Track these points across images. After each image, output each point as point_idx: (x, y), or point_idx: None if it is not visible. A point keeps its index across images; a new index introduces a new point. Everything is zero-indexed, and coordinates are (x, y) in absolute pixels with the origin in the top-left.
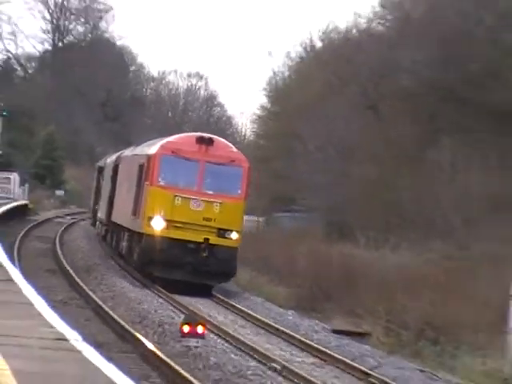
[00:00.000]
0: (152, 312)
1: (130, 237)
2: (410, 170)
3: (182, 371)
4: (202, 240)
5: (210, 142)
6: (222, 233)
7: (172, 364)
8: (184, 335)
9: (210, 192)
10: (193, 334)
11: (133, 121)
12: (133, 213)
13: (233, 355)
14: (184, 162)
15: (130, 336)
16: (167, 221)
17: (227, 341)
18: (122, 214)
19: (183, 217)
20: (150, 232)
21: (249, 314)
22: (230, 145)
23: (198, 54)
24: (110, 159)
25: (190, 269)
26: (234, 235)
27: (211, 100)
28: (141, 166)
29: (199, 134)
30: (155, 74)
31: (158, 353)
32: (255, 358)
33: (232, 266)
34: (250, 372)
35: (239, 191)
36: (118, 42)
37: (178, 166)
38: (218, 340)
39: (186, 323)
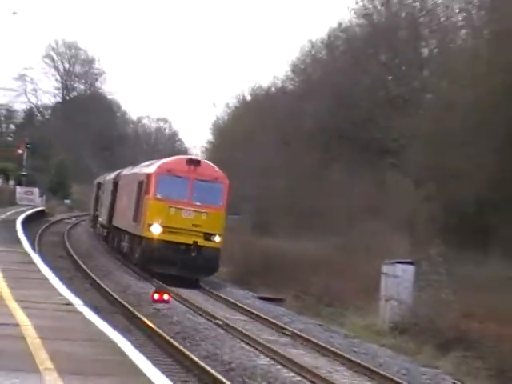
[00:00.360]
0: (132, 285)
1: (130, 239)
2: (313, 185)
3: (153, 325)
4: (191, 242)
5: (198, 163)
6: (208, 236)
7: (145, 320)
8: (154, 301)
9: (198, 203)
10: (161, 301)
11: (119, 151)
12: (134, 220)
13: (189, 315)
14: (177, 179)
15: (116, 302)
16: (163, 227)
17: (186, 305)
18: (122, 220)
19: (176, 223)
20: (149, 236)
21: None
22: (213, 165)
23: (166, 103)
24: (109, 177)
25: (182, 265)
26: (217, 238)
27: (174, 136)
28: (140, 183)
29: (189, 156)
30: (134, 118)
31: (136, 313)
32: (204, 317)
33: (216, 262)
34: (200, 326)
35: (221, 203)
36: (109, 96)
37: (171, 183)
38: (179, 305)
39: (156, 292)
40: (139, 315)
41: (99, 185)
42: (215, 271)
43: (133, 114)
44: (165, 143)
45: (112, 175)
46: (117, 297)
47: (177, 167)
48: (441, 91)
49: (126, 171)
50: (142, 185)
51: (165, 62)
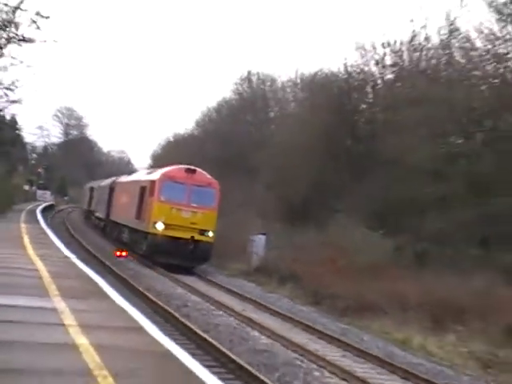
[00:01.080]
0: (106, 246)
1: (133, 233)
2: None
3: (116, 270)
4: (189, 237)
5: (194, 171)
6: (203, 232)
7: (111, 267)
8: (117, 256)
9: (195, 205)
10: (120, 256)
11: (97, 171)
12: (136, 217)
13: (143, 266)
14: (177, 185)
15: (95, 257)
16: (166, 224)
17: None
18: (122, 216)
19: (177, 221)
20: (154, 231)
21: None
22: (206, 173)
23: (125, 137)
24: (104, 183)
25: (181, 256)
26: (211, 234)
27: (128, 162)
28: (143, 187)
29: (186, 166)
30: (105, 151)
31: (107, 262)
32: (147, 266)
33: (209, 254)
34: (146, 271)
35: (213, 204)
36: (90, 137)
37: (173, 188)
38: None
39: (118, 250)
40: (108, 264)
41: (92, 188)
42: (208, 261)
43: (105, 149)
44: (123, 165)
45: (107, 182)
46: (95, 253)
47: (177, 174)
48: (281, 138)
49: (122, 179)
50: (146, 189)
51: (122, 106)
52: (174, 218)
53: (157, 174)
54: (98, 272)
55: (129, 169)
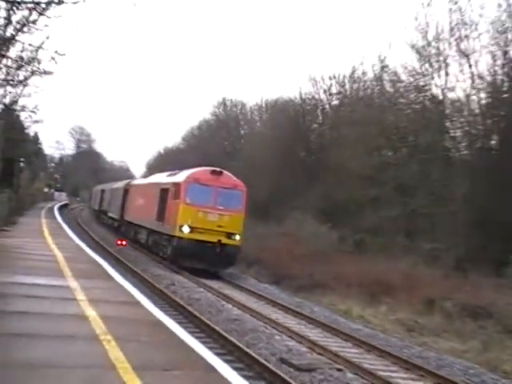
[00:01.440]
0: (108, 237)
1: (154, 235)
2: None
3: (118, 256)
4: (216, 241)
5: (220, 173)
6: (230, 235)
7: (114, 253)
8: (117, 244)
9: (222, 207)
10: (121, 244)
11: (102, 177)
12: (158, 219)
13: (140, 253)
14: (203, 187)
15: (99, 244)
16: (192, 227)
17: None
18: (139, 218)
19: (203, 224)
20: (180, 235)
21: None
22: (232, 175)
23: (126, 150)
24: (117, 185)
25: (208, 260)
26: (238, 237)
27: (128, 169)
28: (164, 190)
29: (212, 168)
30: (109, 160)
31: (108, 248)
32: (142, 254)
33: (235, 258)
34: (142, 259)
35: (240, 206)
36: (97, 150)
37: (199, 190)
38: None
39: (119, 240)
40: (111, 251)
41: (103, 191)
42: (234, 264)
43: (108, 157)
44: (123, 172)
45: (120, 184)
46: (100, 242)
47: (202, 176)
48: (249, 151)
49: (138, 181)
50: (168, 191)
51: (123, 122)
52: (201, 221)
53: (181, 176)
54: (103, 258)
55: (127, 175)
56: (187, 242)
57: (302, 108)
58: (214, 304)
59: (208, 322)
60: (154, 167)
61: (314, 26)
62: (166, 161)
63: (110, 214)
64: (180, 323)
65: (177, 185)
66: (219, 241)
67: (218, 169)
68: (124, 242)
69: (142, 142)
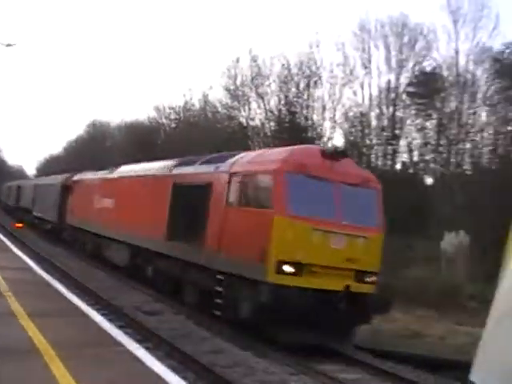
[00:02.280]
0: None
1: (194, 272)
2: None
3: (16, 235)
4: (341, 288)
5: (342, 155)
6: (363, 276)
7: (13, 233)
8: (15, 227)
9: (350, 224)
10: (18, 227)
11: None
12: (187, 239)
13: (31, 231)
14: (316, 184)
15: (5, 228)
16: (301, 264)
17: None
18: (113, 227)
19: (323, 258)
20: (276, 281)
21: None
22: (354, 162)
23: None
24: (45, 181)
25: (324, 324)
26: (373, 279)
27: (23, 172)
28: (208, 185)
29: (322, 147)
30: (11, 164)
31: (10, 231)
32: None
33: (369, 317)
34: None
35: (377, 221)
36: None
37: (309, 189)
38: None
39: (16, 223)
40: (10, 231)
41: (19, 187)
42: (367, 323)
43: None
44: (19, 175)
45: (53, 181)
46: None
47: (312, 163)
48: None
49: (101, 175)
50: (222, 191)
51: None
52: (318, 250)
53: (269, 161)
54: (5, 235)
55: (23, 177)
56: (289, 293)
57: (149, 129)
58: (87, 271)
59: (79, 279)
60: (42, 171)
61: (157, 61)
62: (52, 168)
63: (35, 214)
64: (61, 282)
65: (262, 176)
66: (347, 287)
67: (338, 146)
68: (21, 225)
69: (32, 147)
